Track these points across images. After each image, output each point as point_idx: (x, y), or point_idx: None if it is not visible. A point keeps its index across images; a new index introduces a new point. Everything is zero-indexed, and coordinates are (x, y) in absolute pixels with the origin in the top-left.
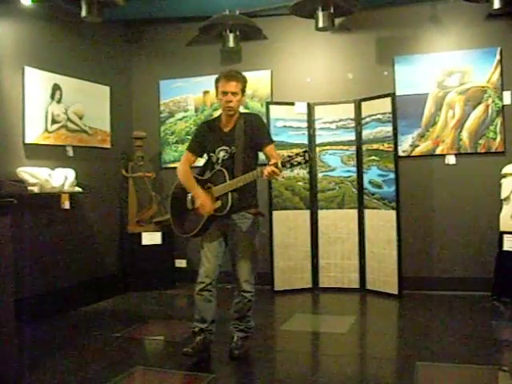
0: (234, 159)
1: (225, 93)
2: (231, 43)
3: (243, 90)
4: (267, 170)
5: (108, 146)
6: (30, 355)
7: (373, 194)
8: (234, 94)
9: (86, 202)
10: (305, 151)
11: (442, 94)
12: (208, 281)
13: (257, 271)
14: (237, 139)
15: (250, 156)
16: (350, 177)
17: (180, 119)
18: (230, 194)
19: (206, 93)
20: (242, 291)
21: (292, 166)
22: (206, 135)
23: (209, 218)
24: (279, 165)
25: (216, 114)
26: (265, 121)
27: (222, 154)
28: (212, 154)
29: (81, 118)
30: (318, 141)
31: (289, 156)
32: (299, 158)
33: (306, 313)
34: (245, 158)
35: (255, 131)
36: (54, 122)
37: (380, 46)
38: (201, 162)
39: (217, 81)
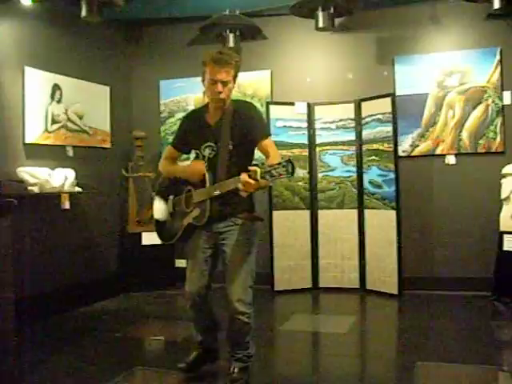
0: (217, 159)
1: (213, 81)
2: (231, 43)
3: (236, 76)
4: (241, 180)
5: (108, 146)
6: (30, 355)
7: (373, 194)
8: (224, 83)
9: (86, 202)
10: (288, 161)
11: (441, 94)
12: (197, 299)
13: (252, 288)
14: (222, 134)
15: (240, 155)
16: (350, 177)
17: (180, 119)
18: (208, 202)
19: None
20: (235, 313)
21: (273, 177)
22: (190, 128)
23: (189, 225)
24: (258, 176)
25: None
26: (260, 109)
27: (207, 151)
28: (198, 152)
29: (81, 118)
30: (318, 141)
31: (269, 166)
32: (281, 169)
33: (305, 313)
34: (232, 157)
35: (246, 123)
36: (54, 122)
37: (380, 46)
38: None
39: (204, 63)
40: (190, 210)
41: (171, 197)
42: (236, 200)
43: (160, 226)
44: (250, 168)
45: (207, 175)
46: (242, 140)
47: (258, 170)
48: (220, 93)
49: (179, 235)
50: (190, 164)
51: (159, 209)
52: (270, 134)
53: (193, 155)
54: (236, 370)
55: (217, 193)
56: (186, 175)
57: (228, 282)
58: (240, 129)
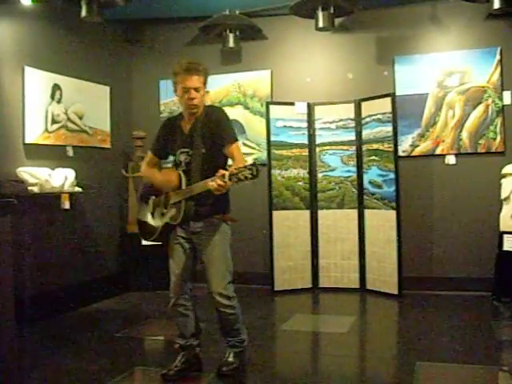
0: (192, 163)
1: (186, 89)
2: (231, 43)
3: (205, 83)
4: (212, 184)
5: (108, 146)
6: (30, 355)
7: (373, 194)
8: (196, 89)
9: (86, 202)
10: (252, 164)
11: (442, 93)
12: (176, 296)
13: (232, 283)
14: (195, 141)
15: (212, 158)
16: (349, 177)
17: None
18: (182, 203)
19: (205, 93)
20: (219, 306)
21: (239, 180)
22: (166, 136)
23: (167, 224)
24: (226, 178)
25: None
26: (227, 114)
27: (183, 157)
28: (175, 157)
29: (81, 118)
30: (318, 141)
31: (236, 168)
32: (247, 172)
33: (306, 313)
34: (205, 161)
35: (214, 128)
36: (53, 121)
37: (380, 46)
38: None
39: (175, 74)
40: (167, 210)
41: (152, 197)
42: (212, 201)
43: (141, 225)
44: (220, 171)
45: (183, 178)
46: (212, 145)
47: (227, 173)
48: (193, 99)
49: (157, 234)
50: (164, 174)
51: (140, 210)
52: (236, 139)
53: (172, 158)
54: (230, 356)
55: (190, 194)
56: (161, 184)
57: (208, 279)
58: (210, 134)
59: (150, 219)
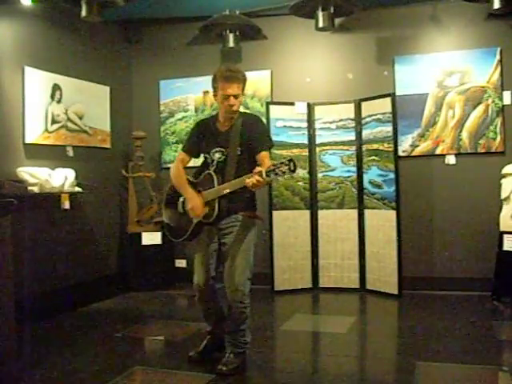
0: (226, 162)
1: (226, 96)
2: (231, 43)
3: (243, 89)
4: (251, 180)
5: (108, 146)
6: (30, 355)
7: (373, 194)
8: (236, 96)
9: (86, 202)
10: (290, 160)
11: (442, 94)
12: (204, 290)
13: (250, 280)
14: (231, 141)
15: (246, 159)
16: (349, 177)
17: (180, 119)
18: (217, 201)
19: (205, 93)
20: (233, 302)
21: (277, 175)
22: (201, 135)
23: (198, 223)
24: (263, 174)
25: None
26: (265, 123)
27: (217, 155)
28: (207, 156)
29: (81, 118)
30: (318, 141)
31: (273, 165)
32: (284, 168)
33: (306, 313)
34: (240, 161)
35: (252, 134)
36: (54, 121)
37: (380, 46)
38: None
39: (215, 80)
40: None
41: (181, 199)
42: (240, 198)
43: (169, 226)
44: (257, 168)
45: (215, 177)
46: (248, 147)
47: (263, 169)
48: (233, 105)
49: (189, 233)
50: (193, 197)
51: (167, 216)
52: (270, 146)
53: (201, 159)
54: (231, 355)
55: (226, 191)
56: (188, 204)
57: (227, 273)
58: (248, 138)
59: (179, 220)
